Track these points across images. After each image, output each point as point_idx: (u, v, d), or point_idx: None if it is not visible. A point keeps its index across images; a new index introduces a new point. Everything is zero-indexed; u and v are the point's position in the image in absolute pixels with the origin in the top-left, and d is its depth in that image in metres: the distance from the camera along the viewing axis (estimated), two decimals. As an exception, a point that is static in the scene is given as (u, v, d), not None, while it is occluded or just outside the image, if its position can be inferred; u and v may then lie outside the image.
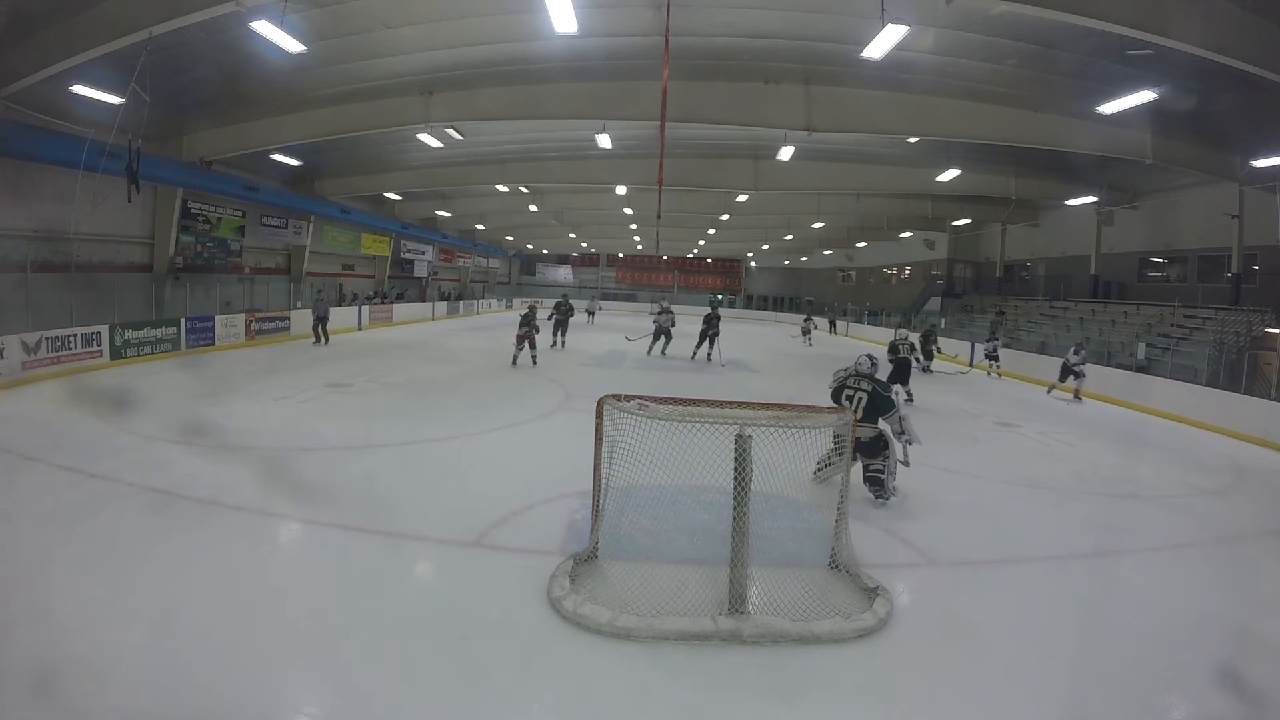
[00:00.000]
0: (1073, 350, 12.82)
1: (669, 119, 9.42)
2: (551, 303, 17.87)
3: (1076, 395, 12.47)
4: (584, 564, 3.96)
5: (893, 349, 11.07)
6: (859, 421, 4.90)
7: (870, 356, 5.71)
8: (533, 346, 13.35)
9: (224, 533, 4.36)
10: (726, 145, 16.25)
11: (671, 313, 16.82)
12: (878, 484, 5.35)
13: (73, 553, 3.93)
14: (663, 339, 16.32)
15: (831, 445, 4.90)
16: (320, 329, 15.67)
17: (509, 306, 37.76)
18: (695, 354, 15.66)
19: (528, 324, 13.17)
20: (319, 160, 18.24)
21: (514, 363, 13.17)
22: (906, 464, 5.56)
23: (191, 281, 15.21)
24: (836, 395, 5.56)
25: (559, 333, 16.63)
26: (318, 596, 3.62)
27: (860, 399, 5.38)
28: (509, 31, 9.85)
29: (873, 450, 5.30)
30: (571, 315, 17.12)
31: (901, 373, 10.58)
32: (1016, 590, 4.17)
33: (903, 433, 5.41)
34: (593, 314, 29.44)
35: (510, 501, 5.11)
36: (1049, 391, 13.17)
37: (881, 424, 5.40)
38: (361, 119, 12.89)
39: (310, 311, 16.13)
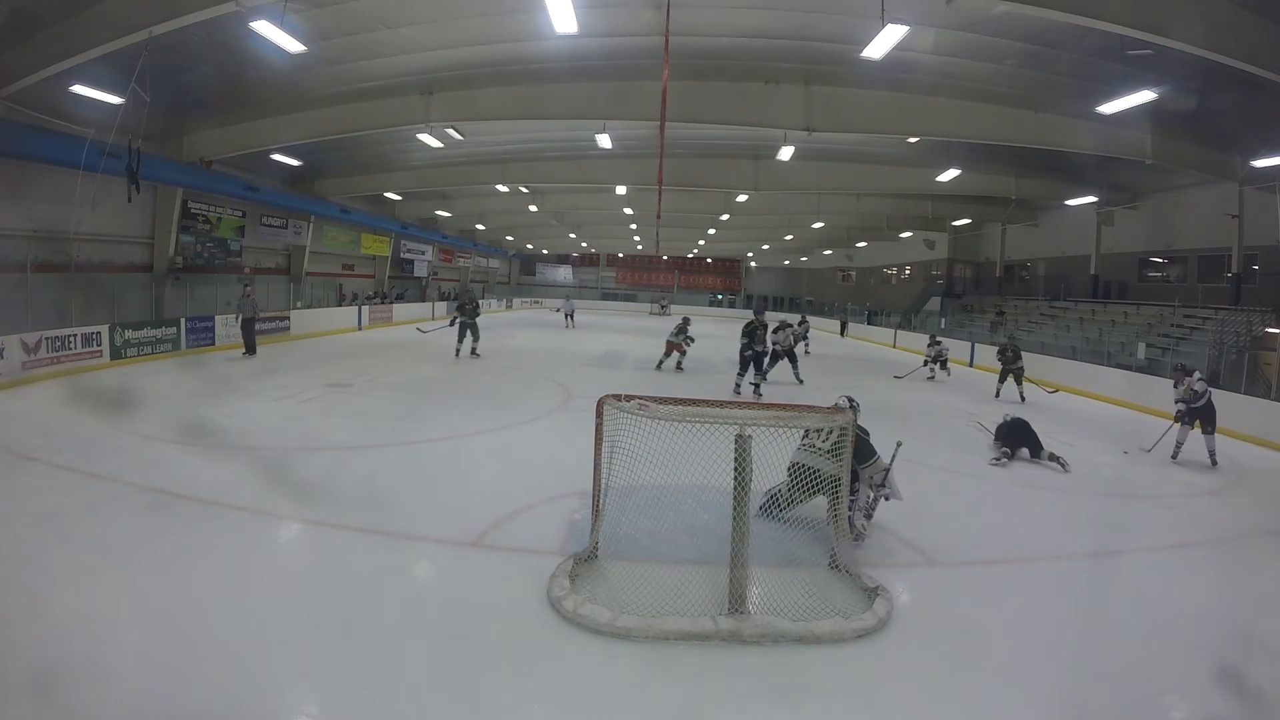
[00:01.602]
0: None
1: (669, 119, 9.42)
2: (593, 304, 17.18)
3: None
4: (584, 564, 3.96)
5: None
6: (826, 451, 4.54)
7: (850, 398, 5.22)
8: (681, 353, 13.93)
9: (224, 533, 4.36)
10: (726, 145, 16.25)
11: (790, 327, 13.34)
12: (847, 523, 4.52)
13: (73, 553, 3.94)
14: (785, 361, 12.93)
15: (785, 478, 4.57)
16: (248, 335, 12.91)
17: (509, 306, 37.81)
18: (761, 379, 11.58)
19: (681, 333, 13.93)
20: (319, 160, 18.25)
21: (658, 367, 13.86)
22: (869, 517, 4.83)
23: (191, 281, 15.22)
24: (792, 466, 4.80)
25: (466, 337, 13.98)
26: (317, 596, 3.62)
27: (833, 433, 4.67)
28: (509, 31, 9.86)
29: (840, 490, 4.46)
30: (478, 315, 14.34)
31: (1020, 435, 7.51)
32: (1016, 590, 4.17)
33: (883, 485, 4.82)
34: (570, 316, 26.66)
35: (510, 501, 5.11)
36: None
37: (860, 470, 4.71)
38: (361, 119, 12.90)
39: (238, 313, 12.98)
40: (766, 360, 11.79)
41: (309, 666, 3.03)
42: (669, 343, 14.04)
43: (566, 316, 26.84)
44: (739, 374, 11.36)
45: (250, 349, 12.95)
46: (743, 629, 3.34)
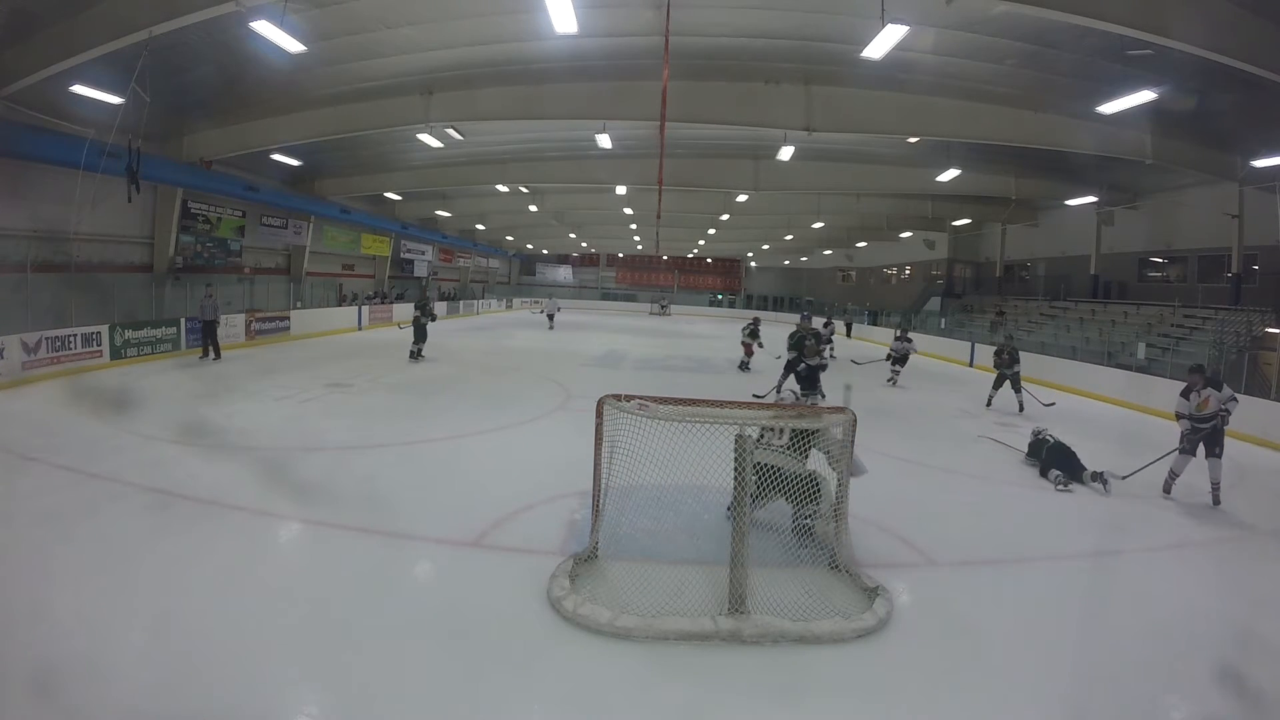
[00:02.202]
0: None
1: (669, 119, 9.42)
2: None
3: None
4: (584, 564, 3.96)
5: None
6: (785, 448, 4.37)
7: (794, 392, 5.24)
8: (749, 354, 14.30)
9: (224, 533, 4.36)
10: (726, 145, 16.25)
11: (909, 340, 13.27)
12: (807, 534, 4.38)
13: (73, 553, 3.93)
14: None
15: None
16: (210, 339, 12.23)
17: (509, 306, 37.85)
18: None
19: (754, 336, 14.17)
20: (319, 160, 18.25)
21: (745, 368, 14.08)
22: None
23: (191, 281, 15.21)
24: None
25: (420, 340, 13.49)
26: (317, 596, 3.62)
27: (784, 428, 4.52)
28: (509, 31, 9.86)
29: (802, 494, 4.33)
30: (433, 319, 13.98)
31: (1064, 460, 6.68)
32: (1016, 590, 4.16)
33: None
34: (552, 317, 25.54)
35: (510, 501, 5.11)
36: None
37: (816, 456, 4.49)
38: (361, 119, 12.90)
39: (199, 316, 12.32)
40: (783, 372, 9.86)
41: (309, 666, 3.02)
42: (743, 343, 14.36)
43: (549, 318, 25.64)
44: (803, 394, 8.80)
45: (209, 352, 12.21)
46: (743, 629, 3.34)
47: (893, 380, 13.41)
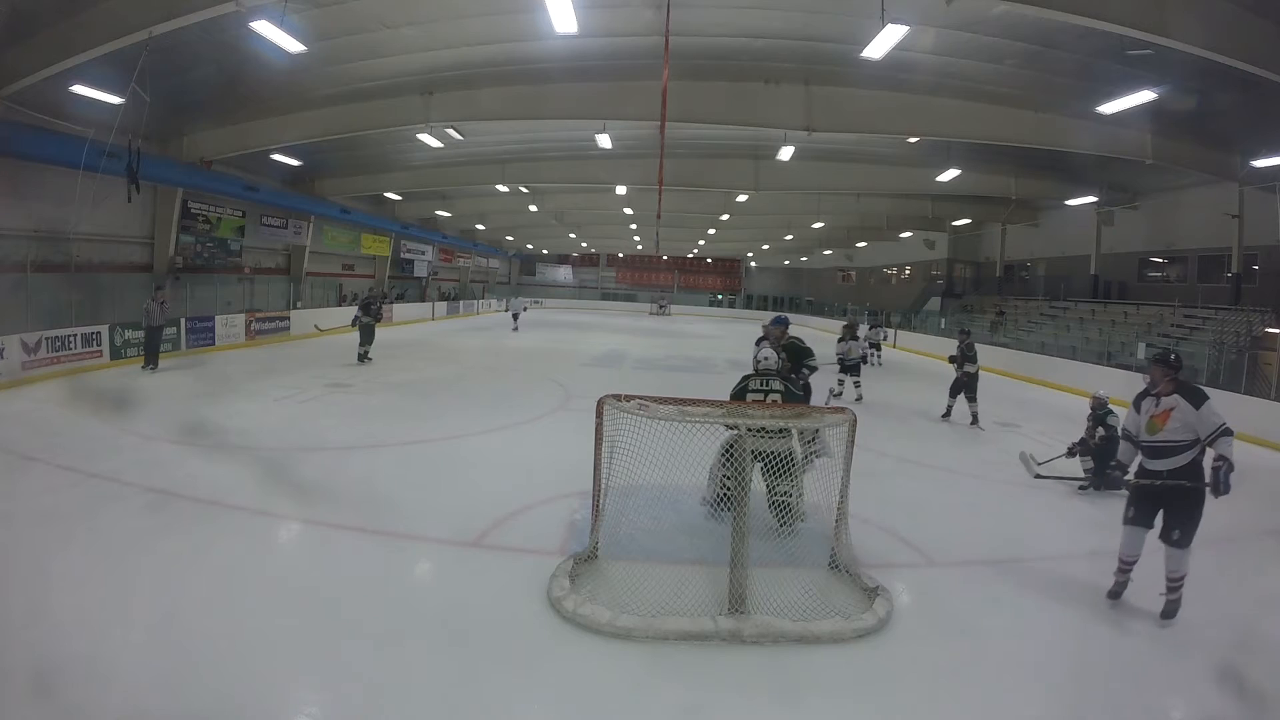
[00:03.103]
0: None
1: (669, 119, 9.42)
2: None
3: None
4: (584, 564, 3.96)
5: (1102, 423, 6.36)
6: (766, 431, 4.09)
7: (775, 350, 4.95)
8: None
9: (224, 533, 4.36)
10: (726, 145, 16.27)
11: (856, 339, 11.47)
12: (786, 510, 4.35)
13: (73, 553, 3.93)
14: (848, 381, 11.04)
15: (721, 469, 4.37)
16: (152, 346, 11.03)
17: (509, 307, 37.90)
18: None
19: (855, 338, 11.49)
20: (319, 160, 18.26)
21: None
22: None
23: (191, 281, 15.22)
24: (740, 398, 4.60)
25: (367, 342, 12.78)
26: (317, 596, 3.62)
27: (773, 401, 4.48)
28: (509, 31, 9.87)
29: (780, 469, 4.20)
30: (379, 319, 13.19)
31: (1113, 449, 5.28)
32: (1016, 590, 4.16)
33: (812, 441, 4.53)
34: (517, 316, 24.46)
35: (510, 501, 5.11)
36: None
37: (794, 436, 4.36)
38: (361, 119, 12.91)
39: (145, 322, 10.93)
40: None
41: (309, 666, 3.02)
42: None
43: (513, 317, 24.41)
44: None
45: (151, 361, 10.97)
46: (743, 629, 3.34)
47: (842, 392, 10.77)
